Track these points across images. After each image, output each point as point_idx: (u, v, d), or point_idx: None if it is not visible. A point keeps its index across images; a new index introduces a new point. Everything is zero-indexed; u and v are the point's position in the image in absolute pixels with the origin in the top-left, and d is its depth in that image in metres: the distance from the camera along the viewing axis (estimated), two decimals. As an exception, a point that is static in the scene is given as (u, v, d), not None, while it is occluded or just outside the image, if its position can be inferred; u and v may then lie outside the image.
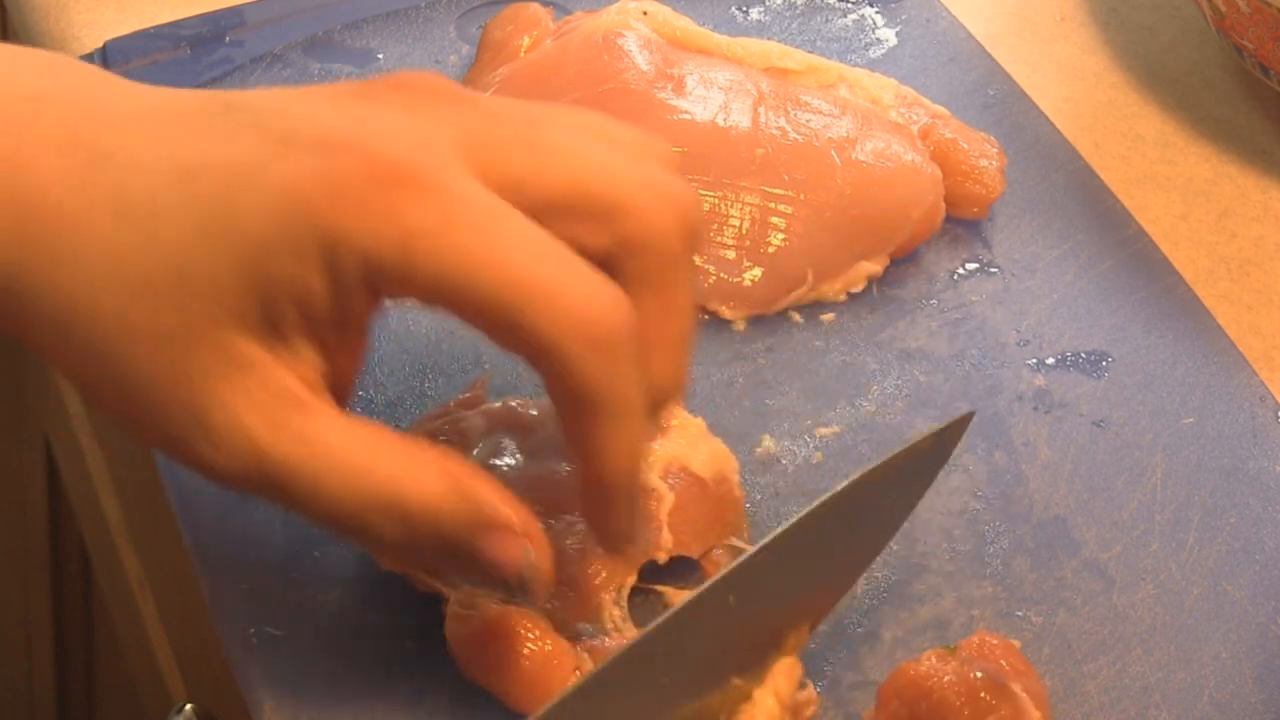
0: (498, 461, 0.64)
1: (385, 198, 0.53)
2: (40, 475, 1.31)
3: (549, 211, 0.55)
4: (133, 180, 0.54)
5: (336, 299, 0.54)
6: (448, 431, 0.65)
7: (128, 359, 0.54)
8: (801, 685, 0.62)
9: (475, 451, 0.64)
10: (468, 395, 0.67)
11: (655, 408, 0.58)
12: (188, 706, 0.83)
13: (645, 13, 0.78)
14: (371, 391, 0.70)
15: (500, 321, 0.54)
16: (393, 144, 0.54)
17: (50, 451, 1.26)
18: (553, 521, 0.63)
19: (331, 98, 0.56)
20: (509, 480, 0.62)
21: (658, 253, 0.56)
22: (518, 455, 0.65)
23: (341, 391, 0.57)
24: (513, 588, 0.57)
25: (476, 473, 0.56)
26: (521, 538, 0.56)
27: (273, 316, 0.54)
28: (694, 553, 0.65)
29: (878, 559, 0.66)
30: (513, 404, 0.66)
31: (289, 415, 0.54)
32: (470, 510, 0.55)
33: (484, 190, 0.54)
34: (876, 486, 0.61)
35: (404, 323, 0.72)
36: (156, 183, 0.54)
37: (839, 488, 0.60)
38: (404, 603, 0.63)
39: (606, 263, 0.56)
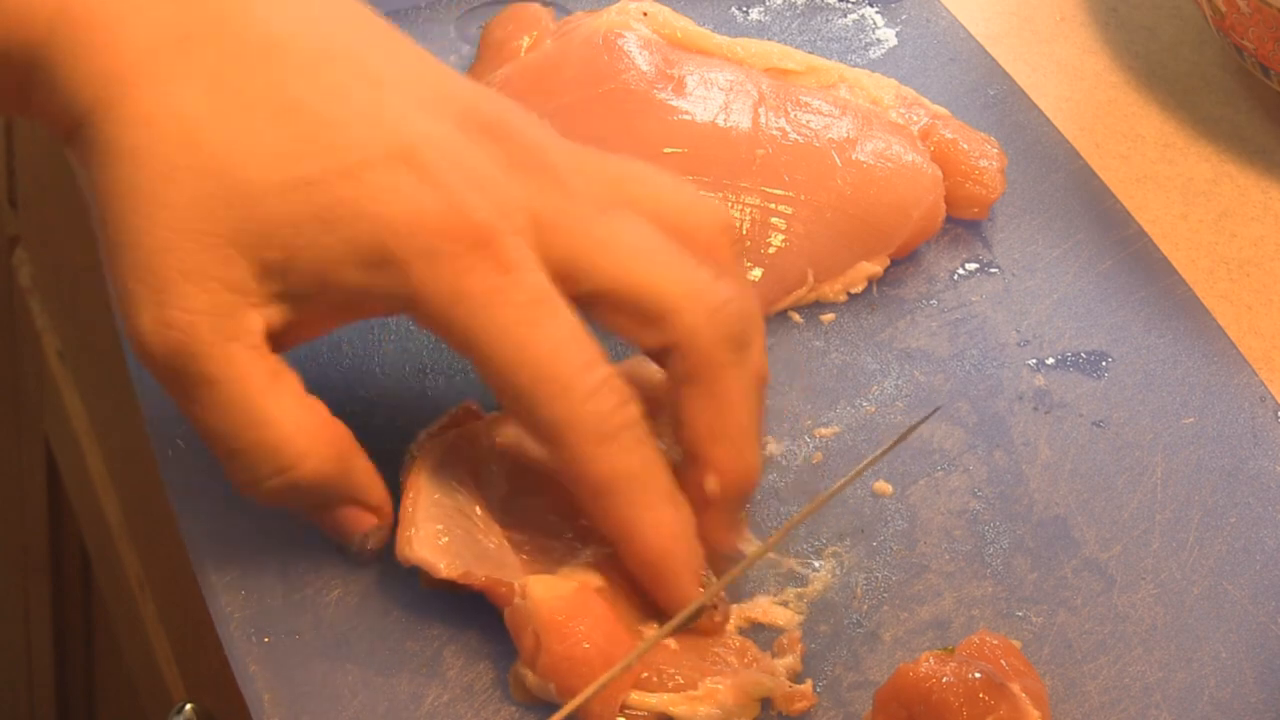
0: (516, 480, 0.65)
1: (455, 254, 0.57)
2: (40, 475, 1.31)
3: (600, 301, 0.60)
4: (237, 82, 0.57)
5: (353, 298, 0.58)
6: (460, 440, 0.65)
7: (142, 212, 0.57)
8: (799, 681, 0.62)
9: (493, 468, 0.65)
10: (450, 417, 0.67)
11: (729, 500, 0.62)
12: (188, 706, 0.83)
13: (645, 13, 0.78)
14: (371, 391, 0.70)
15: (513, 400, 0.59)
16: (480, 205, 0.58)
17: (50, 451, 1.26)
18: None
19: (453, 118, 0.60)
20: (537, 484, 0.64)
21: (701, 356, 0.61)
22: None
23: (294, 336, 0.60)
24: (353, 549, 0.63)
25: (358, 452, 0.61)
26: (372, 516, 0.62)
27: (274, 273, 0.57)
28: None
29: (878, 558, 0.66)
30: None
31: (232, 337, 0.58)
32: (345, 487, 0.61)
33: (540, 273, 0.59)
34: None
35: (404, 323, 0.72)
36: (257, 104, 0.57)
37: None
38: (404, 603, 0.63)
39: (657, 355, 0.61)
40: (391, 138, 0.58)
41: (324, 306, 0.59)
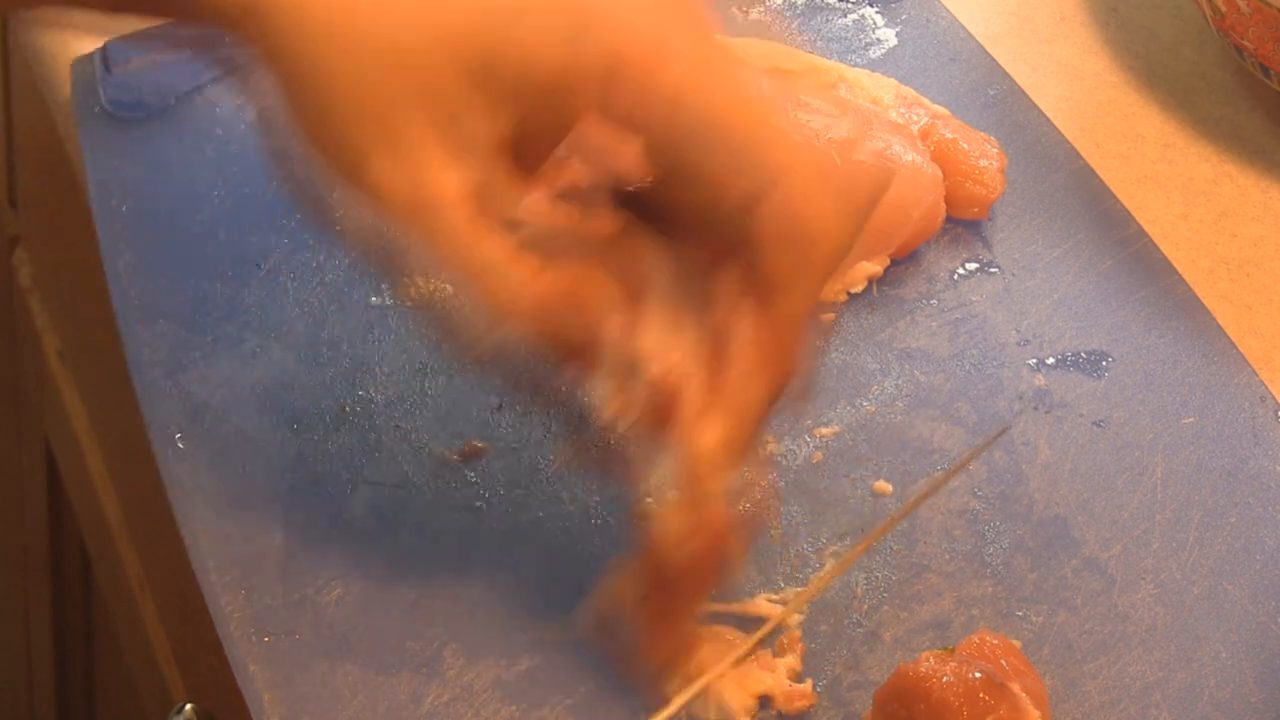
0: None
1: (655, 9, 0.57)
2: (40, 475, 1.31)
3: None
4: None
5: (560, 84, 0.57)
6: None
7: (341, 77, 0.56)
8: (799, 681, 0.62)
9: None
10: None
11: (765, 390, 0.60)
12: (188, 706, 0.83)
13: (645, 13, 0.78)
14: (371, 391, 0.70)
15: (733, 142, 0.57)
16: None
17: (50, 451, 1.26)
18: None
19: None
20: None
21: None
22: None
23: (520, 161, 0.58)
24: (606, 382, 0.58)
25: (593, 279, 0.58)
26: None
27: (486, 70, 0.56)
28: None
29: (878, 558, 0.66)
30: None
31: (470, 164, 0.56)
32: (577, 323, 0.58)
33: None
34: None
35: (404, 322, 0.72)
36: None
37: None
38: (404, 603, 0.64)
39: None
40: None
41: (538, 104, 0.57)
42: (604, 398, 0.58)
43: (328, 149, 0.57)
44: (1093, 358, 0.73)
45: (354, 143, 0.56)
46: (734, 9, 0.85)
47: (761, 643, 0.63)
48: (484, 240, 0.57)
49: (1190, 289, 0.76)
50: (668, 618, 0.61)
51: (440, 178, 0.56)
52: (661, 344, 0.58)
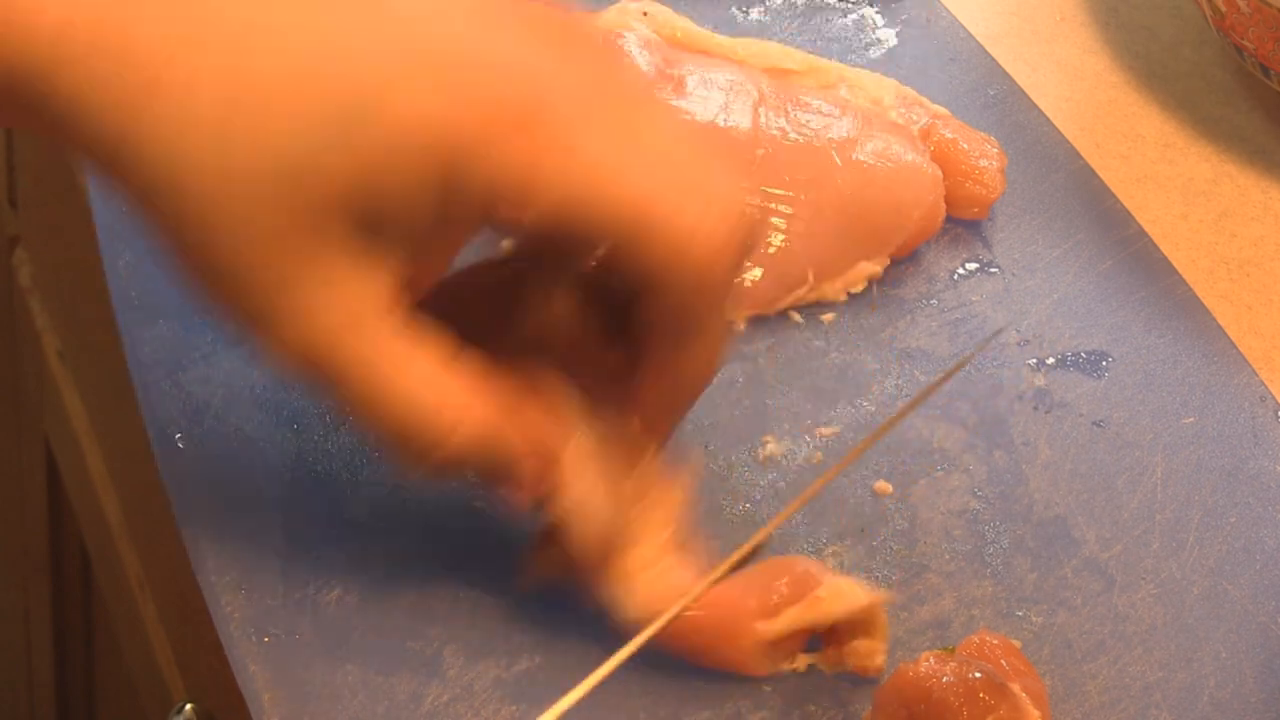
0: None
1: (514, 132, 0.55)
2: (40, 475, 1.31)
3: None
4: (249, 63, 0.54)
5: (444, 220, 0.56)
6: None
7: (217, 235, 0.55)
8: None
9: None
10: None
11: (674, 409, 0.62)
12: (188, 706, 0.83)
13: (645, 13, 0.78)
14: (371, 391, 0.70)
15: (620, 240, 0.56)
16: (522, 83, 0.55)
17: (50, 451, 1.26)
18: None
19: (469, 14, 0.57)
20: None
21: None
22: None
23: (417, 290, 0.58)
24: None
25: (519, 409, 0.59)
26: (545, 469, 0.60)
27: (371, 227, 0.55)
28: None
29: (878, 558, 0.66)
30: None
31: (355, 329, 0.56)
32: (501, 453, 0.59)
33: (599, 125, 0.56)
34: None
35: (404, 323, 0.72)
36: (276, 72, 0.55)
37: None
38: (404, 603, 0.63)
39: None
40: (405, 48, 0.55)
41: (423, 242, 0.57)
42: (534, 542, 0.62)
43: (227, 298, 0.56)
44: (1093, 358, 0.73)
45: (257, 287, 0.55)
46: (734, 9, 0.85)
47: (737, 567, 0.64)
48: (408, 369, 0.57)
49: (1190, 289, 0.76)
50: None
51: (350, 309, 0.56)
52: (589, 497, 0.60)
